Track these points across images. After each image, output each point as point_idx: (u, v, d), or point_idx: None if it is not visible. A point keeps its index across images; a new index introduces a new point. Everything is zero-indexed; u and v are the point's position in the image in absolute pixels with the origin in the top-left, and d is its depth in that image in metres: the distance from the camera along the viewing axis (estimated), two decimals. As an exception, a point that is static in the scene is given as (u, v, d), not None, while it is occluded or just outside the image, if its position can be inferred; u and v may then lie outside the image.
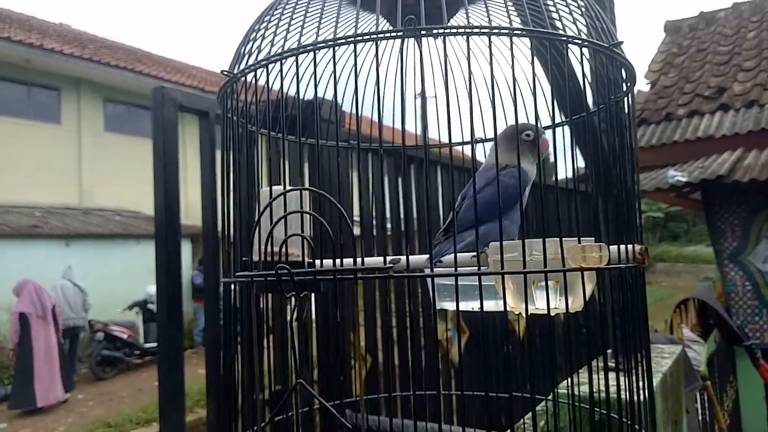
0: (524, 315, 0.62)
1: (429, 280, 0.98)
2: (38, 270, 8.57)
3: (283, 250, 0.73)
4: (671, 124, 5.51)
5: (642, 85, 6.41)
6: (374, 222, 2.43)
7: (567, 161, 1.02)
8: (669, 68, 6.33)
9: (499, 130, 1.08)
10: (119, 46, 14.00)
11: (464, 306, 0.94)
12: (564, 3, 0.66)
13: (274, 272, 0.57)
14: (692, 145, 5.10)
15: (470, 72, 0.57)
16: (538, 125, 0.81)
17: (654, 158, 5.30)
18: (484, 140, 1.11)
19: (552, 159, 0.86)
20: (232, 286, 0.71)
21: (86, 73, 11.44)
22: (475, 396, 1.34)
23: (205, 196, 1.86)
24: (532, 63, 0.58)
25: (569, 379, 1.01)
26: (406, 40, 0.63)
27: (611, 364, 1.03)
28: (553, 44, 0.61)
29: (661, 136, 5.43)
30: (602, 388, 0.82)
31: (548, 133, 0.92)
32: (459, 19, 0.96)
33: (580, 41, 0.59)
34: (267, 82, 0.64)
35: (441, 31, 0.59)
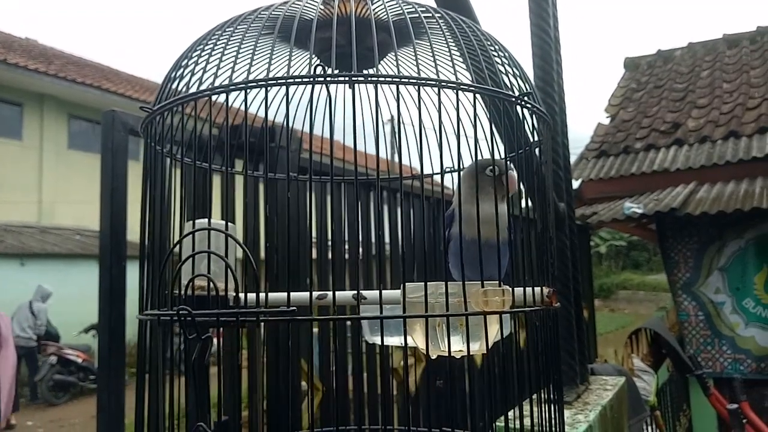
0: (431, 357, 0.62)
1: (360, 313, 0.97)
2: (-10, 290, 8.28)
3: (204, 285, 0.72)
4: (629, 157, 5.68)
5: (602, 118, 6.61)
6: (330, 250, 2.42)
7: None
8: (628, 103, 6.55)
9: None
10: (87, 62, 13.82)
11: (392, 341, 0.95)
12: (475, 52, 0.68)
13: (175, 312, 0.56)
14: (648, 177, 5.26)
15: (376, 117, 0.58)
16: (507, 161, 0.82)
17: (612, 189, 5.44)
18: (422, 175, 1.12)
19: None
20: (146, 323, 0.70)
21: (51, 89, 11.24)
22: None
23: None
24: (439, 111, 0.60)
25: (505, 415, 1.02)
26: (327, 85, 0.64)
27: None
28: (462, 92, 0.63)
29: (619, 168, 5.58)
30: (527, 424, 0.83)
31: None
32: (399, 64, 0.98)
33: (484, 90, 0.61)
34: (181, 120, 0.64)
35: (348, 78, 0.61)
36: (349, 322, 2.46)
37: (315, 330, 2.62)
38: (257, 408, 1.94)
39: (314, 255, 2.17)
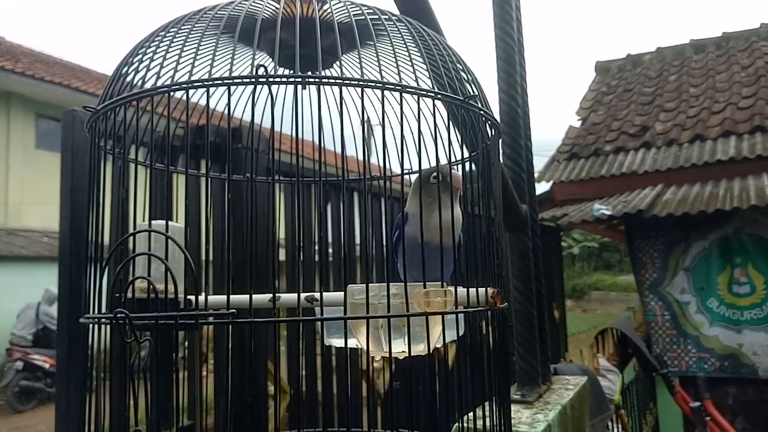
0: (376, 357, 0.63)
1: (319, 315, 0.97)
2: (-46, 293, 8.05)
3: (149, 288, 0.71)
4: (599, 160, 5.77)
5: (574, 121, 6.71)
6: (300, 252, 2.42)
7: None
8: (598, 106, 6.66)
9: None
10: (56, 61, 13.53)
11: (337, 342, 0.95)
12: (424, 54, 0.69)
13: (112, 315, 0.55)
14: (617, 180, 5.36)
15: (320, 118, 0.58)
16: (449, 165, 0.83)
17: (583, 191, 5.53)
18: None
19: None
20: (89, 327, 0.69)
21: (18, 87, 10.98)
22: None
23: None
24: (383, 113, 0.60)
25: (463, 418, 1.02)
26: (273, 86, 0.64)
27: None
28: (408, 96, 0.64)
29: (589, 170, 5.67)
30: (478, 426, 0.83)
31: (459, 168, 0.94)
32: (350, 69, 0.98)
33: (432, 94, 0.62)
34: (124, 120, 0.64)
35: (292, 79, 0.60)
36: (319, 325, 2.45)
37: (284, 333, 2.61)
38: (204, 415, 1.93)
39: (280, 257, 2.16)
